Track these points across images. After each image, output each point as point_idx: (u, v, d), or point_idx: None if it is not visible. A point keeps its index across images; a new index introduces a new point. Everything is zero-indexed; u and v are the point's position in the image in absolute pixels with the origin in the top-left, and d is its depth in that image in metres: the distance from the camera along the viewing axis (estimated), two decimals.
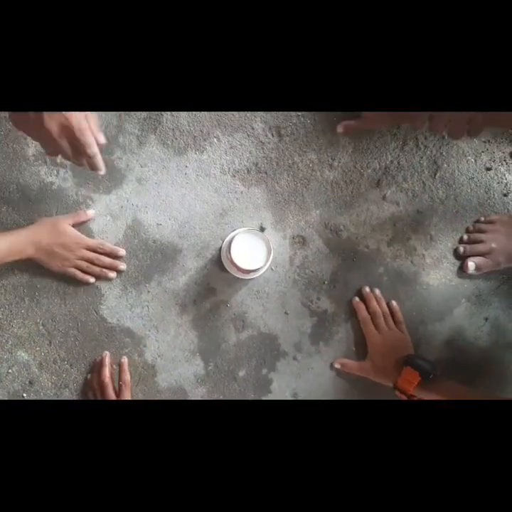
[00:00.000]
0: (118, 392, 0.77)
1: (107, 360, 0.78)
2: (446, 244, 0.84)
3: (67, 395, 0.79)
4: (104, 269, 0.79)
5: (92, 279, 0.79)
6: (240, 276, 0.79)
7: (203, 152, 0.82)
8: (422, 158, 0.84)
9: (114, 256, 0.80)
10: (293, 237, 0.83)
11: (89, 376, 0.78)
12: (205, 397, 0.80)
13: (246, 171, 0.82)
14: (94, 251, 0.79)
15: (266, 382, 0.81)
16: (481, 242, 0.82)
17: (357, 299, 0.81)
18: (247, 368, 0.81)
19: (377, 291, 0.81)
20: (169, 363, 0.80)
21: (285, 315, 0.81)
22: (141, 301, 0.80)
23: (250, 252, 0.74)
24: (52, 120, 0.53)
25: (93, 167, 0.60)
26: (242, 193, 0.82)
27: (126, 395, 0.76)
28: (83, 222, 0.80)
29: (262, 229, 0.82)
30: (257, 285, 0.81)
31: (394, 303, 0.81)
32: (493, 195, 0.85)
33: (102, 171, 0.61)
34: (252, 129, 0.83)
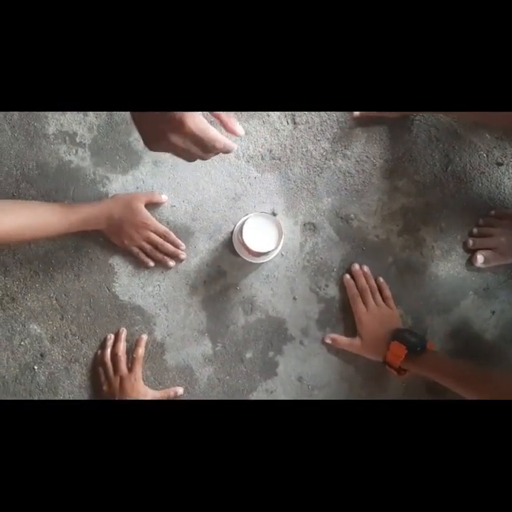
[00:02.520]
0: (130, 366, 0.78)
1: (123, 336, 0.80)
2: (456, 237, 0.85)
3: (77, 368, 0.81)
4: (165, 256, 0.80)
5: (151, 263, 0.80)
6: (251, 260, 0.80)
7: None
8: (434, 151, 0.85)
9: (176, 246, 0.81)
10: (304, 224, 0.84)
11: (99, 352, 0.80)
12: (212, 377, 0.81)
13: (260, 157, 0.84)
14: (160, 236, 0.80)
15: (272, 365, 0.82)
16: (490, 236, 0.83)
17: (348, 276, 0.82)
18: (254, 350, 0.82)
19: (365, 268, 0.82)
20: (178, 341, 0.81)
21: (293, 300, 0.83)
22: (153, 281, 0.82)
23: (262, 234, 0.75)
24: (173, 134, 0.51)
25: (228, 150, 0.56)
26: (255, 178, 0.83)
27: (138, 370, 0.78)
28: (156, 204, 0.81)
29: (274, 214, 0.83)
30: (266, 270, 0.83)
31: (381, 279, 0.82)
32: (504, 190, 0.85)
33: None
34: (268, 116, 0.84)
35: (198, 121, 0.52)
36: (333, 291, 0.83)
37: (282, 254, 0.83)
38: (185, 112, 0.49)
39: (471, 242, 0.83)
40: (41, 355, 0.81)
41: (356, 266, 0.82)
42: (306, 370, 0.82)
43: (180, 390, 0.80)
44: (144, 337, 0.80)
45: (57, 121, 0.83)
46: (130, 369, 0.78)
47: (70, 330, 0.81)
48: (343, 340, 0.80)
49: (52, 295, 0.81)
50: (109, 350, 0.79)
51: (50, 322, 0.81)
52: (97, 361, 0.80)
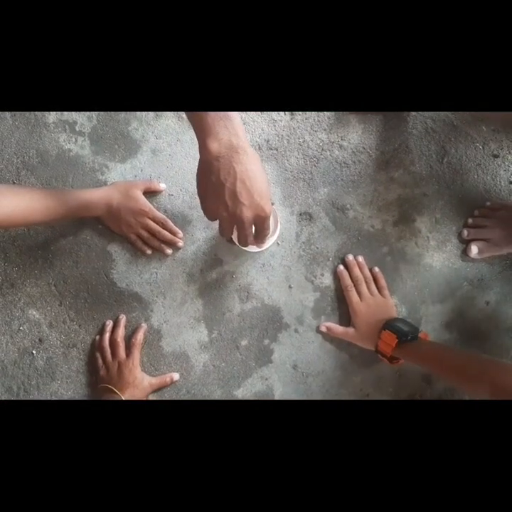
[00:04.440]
0: (128, 351, 0.79)
1: (123, 322, 0.81)
2: (451, 228, 0.85)
3: (75, 354, 0.82)
4: (162, 244, 0.81)
5: (149, 251, 0.81)
6: (247, 249, 0.81)
7: None
8: (430, 142, 0.86)
9: (174, 234, 0.82)
10: (300, 214, 0.84)
11: (98, 337, 0.81)
12: (208, 364, 0.82)
13: (257, 147, 0.85)
14: (158, 224, 0.81)
15: (267, 352, 0.83)
16: (485, 227, 0.84)
17: (341, 266, 0.83)
18: (249, 337, 0.83)
19: (360, 258, 0.83)
20: (174, 328, 0.82)
21: (289, 288, 0.83)
22: (150, 268, 0.83)
23: None
24: (249, 209, 0.55)
25: (261, 241, 0.63)
26: None
27: (136, 356, 0.79)
28: (154, 192, 0.82)
29: (271, 204, 0.84)
30: (262, 258, 0.83)
31: (376, 269, 0.83)
32: (500, 182, 0.86)
33: (264, 245, 0.69)
34: None
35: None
36: (328, 280, 0.84)
37: (278, 244, 0.84)
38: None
39: (465, 232, 0.84)
40: (40, 340, 0.82)
41: (350, 256, 0.83)
42: (300, 358, 0.83)
43: (176, 376, 0.81)
44: (144, 325, 0.81)
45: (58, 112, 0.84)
46: (128, 355, 0.79)
47: (68, 316, 0.82)
48: (337, 328, 0.81)
49: (50, 281, 0.82)
50: (107, 336, 0.80)
51: (49, 308, 0.82)
52: (96, 346, 0.81)
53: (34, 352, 0.82)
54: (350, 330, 0.80)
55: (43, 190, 0.75)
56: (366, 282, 0.81)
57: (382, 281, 0.82)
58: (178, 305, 0.83)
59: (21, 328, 0.82)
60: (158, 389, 0.80)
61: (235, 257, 0.83)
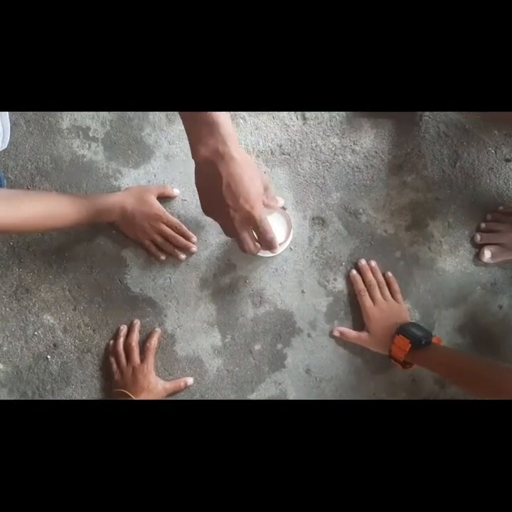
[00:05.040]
0: (143, 356, 0.80)
1: (137, 327, 0.81)
2: (464, 233, 0.85)
3: (89, 358, 0.82)
4: (176, 249, 0.81)
5: (163, 257, 0.81)
6: (260, 254, 0.81)
7: None
8: (442, 146, 0.85)
9: (188, 239, 0.82)
10: (313, 219, 0.85)
11: (112, 342, 0.82)
12: (221, 369, 0.82)
13: (270, 152, 0.85)
14: (172, 229, 0.81)
15: (280, 357, 0.83)
16: (498, 231, 0.84)
17: (354, 271, 0.83)
18: (262, 342, 0.83)
19: (372, 263, 0.83)
20: (188, 333, 0.82)
21: (302, 293, 0.83)
22: (164, 273, 0.83)
23: (272, 228, 0.76)
24: (236, 212, 0.58)
25: (269, 246, 0.64)
26: (265, 173, 0.84)
27: (150, 361, 0.79)
28: (167, 197, 0.83)
29: (283, 208, 0.84)
30: (275, 263, 0.84)
31: (389, 273, 0.83)
32: None
33: (277, 250, 0.66)
34: (278, 111, 0.85)
35: (263, 211, 0.60)
36: (341, 285, 0.84)
37: (291, 248, 0.84)
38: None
39: (478, 237, 0.84)
40: (54, 345, 0.82)
41: (363, 261, 0.83)
42: (313, 363, 0.83)
43: (190, 381, 0.81)
44: (158, 330, 0.82)
45: (71, 116, 0.85)
46: (142, 360, 0.79)
47: (83, 321, 0.83)
48: (350, 333, 0.81)
49: (65, 286, 0.83)
50: (121, 340, 0.81)
51: (63, 313, 0.83)
52: (110, 351, 0.81)
53: (49, 357, 0.82)
54: (364, 334, 0.80)
55: (58, 196, 0.75)
56: (379, 287, 0.81)
57: (395, 286, 0.82)
58: (192, 310, 0.83)
59: (36, 333, 0.83)
60: (172, 393, 0.81)
61: (248, 262, 0.83)
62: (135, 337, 0.80)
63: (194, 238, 0.82)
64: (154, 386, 0.78)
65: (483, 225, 0.85)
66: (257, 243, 0.64)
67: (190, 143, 0.57)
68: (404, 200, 0.85)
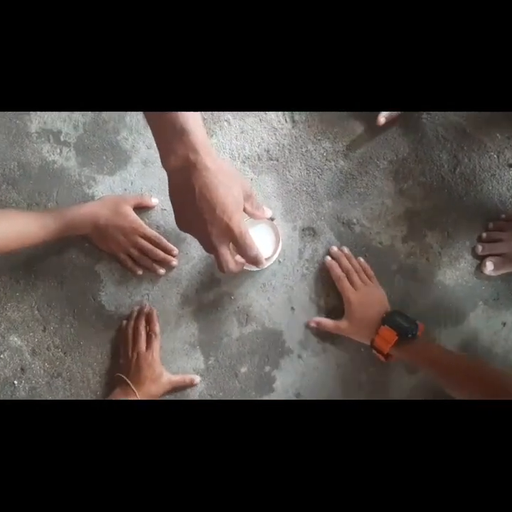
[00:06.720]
0: (148, 343, 0.75)
1: (147, 309, 0.77)
2: (464, 243, 0.81)
3: (60, 383, 0.77)
4: (154, 263, 0.76)
5: (140, 272, 0.77)
6: (247, 268, 0.76)
7: (212, 136, 0.80)
8: (441, 151, 0.81)
9: (168, 252, 0.77)
10: (303, 229, 0.80)
11: (124, 322, 0.77)
12: (204, 394, 0.77)
13: (257, 158, 0.80)
14: (150, 241, 0.76)
15: (268, 380, 0.77)
16: (500, 241, 0.80)
17: (329, 258, 0.79)
18: (249, 364, 0.77)
19: (345, 249, 0.80)
20: (168, 355, 0.77)
21: (291, 310, 0.78)
22: (142, 290, 0.78)
23: (258, 240, 0.70)
24: (213, 226, 0.53)
25: (253, 262, 0.59)
26: (251, 180, 0.80)
27: (156, 347, 0.75)
28: (145, 207, 0.78)
29: (271, 219, 0.79)
30: (263, 278, 0.79)
31: (361, 259, 0.79)
32: None
33: (263, 265, 0.62)
34: (265, 113, 0.81)
35: (242, 224, 0.55)
36: (334, 300, 0.79)
37: (280, 262, 0.79)
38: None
39: (480, 247, 0.80)
40: (22, 369, 0.77)
41: (334, 248, 0.79)
42: (304, 386, 0.78)
43: (197, 379, 0.76)
44: (153, 311, 0.77)
45: (41, 119, 0.80)
46: (147, 347, 0.75)
47: (53, 342, 0.77)
48: (328, 323, 0.77)
49: (33, 305, 0.77)
50: (132, 323, 0.76)
51: (32, 334, 0.77)
52: (121, 332, 0.77)
53: (15, 382, 0.77)
54: (343, 323, 0.76)
55: (18, 214, 0.71)
56: (356, 272, 0.78)
57: (370, 271, 0.79)
58: (172, 329, 0.78)
59: (1, 356, 0.77)
60: (176, 387, 0.76)
61: (233, 276, 0.78)
62: (143, 321, 0.76)
63: (175, 251, 0.77)
64: (158, 376, 0.74)
65: (484, 235, 0.81)
66: (239, 260, 0.59)
67: (159, 151, 0.53)
68: (401, 209, 0.81)
